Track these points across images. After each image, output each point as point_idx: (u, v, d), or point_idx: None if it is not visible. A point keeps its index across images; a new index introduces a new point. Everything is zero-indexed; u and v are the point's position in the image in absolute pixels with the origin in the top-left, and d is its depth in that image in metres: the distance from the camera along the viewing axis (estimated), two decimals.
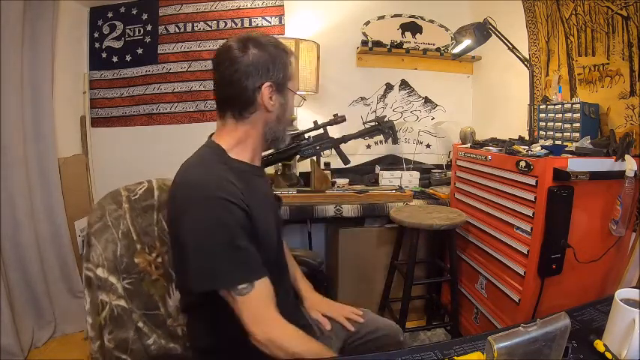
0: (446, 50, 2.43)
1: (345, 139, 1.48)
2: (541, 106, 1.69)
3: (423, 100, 2.57)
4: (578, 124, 1.50)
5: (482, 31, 1.75)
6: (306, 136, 1.40)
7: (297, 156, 1.39)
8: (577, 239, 1.28)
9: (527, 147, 1.43)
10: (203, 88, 2.38)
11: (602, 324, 0.74)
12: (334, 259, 2.10)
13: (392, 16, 2.45)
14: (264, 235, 0.85)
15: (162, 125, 2.41)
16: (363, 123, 2.39)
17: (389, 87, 2.52)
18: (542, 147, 1.37)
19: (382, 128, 1.56)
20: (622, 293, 0.71)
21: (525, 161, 1.30)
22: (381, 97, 2.52)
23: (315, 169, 1.93)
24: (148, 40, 2.35)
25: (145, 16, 2.34)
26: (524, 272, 1.35)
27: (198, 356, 0.92)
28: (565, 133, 1.57)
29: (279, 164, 2.12)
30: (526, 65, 1.69)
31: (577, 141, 1.46)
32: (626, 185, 1.22)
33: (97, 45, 2.35)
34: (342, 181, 2.17)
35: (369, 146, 2.51)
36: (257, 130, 0.88)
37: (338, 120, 1.36)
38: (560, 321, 0.56)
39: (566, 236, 1.27)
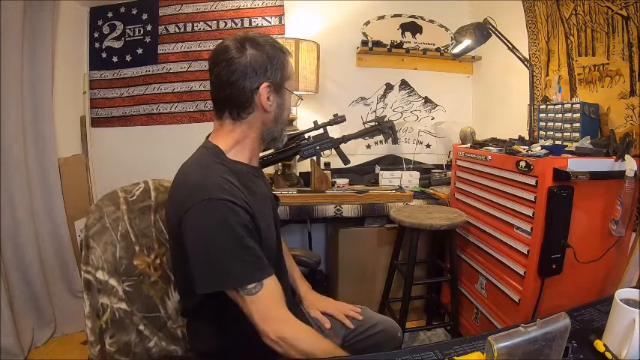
0: (446, 50, 2.43)
1: (345, 139, 1.48)
2: (541, 106, 1.69)
3: (423, 100, 2.57)
4: (578, 124, 1.50)
5: (482, 31, 1.75)
6: (306, 136, 1.39)
7: (297, 156, 1.39)
8: (577, 239, 1.28)
9: (527, 147, 1.43)
10: (203, 88, 2.38)
11: (602, 324, 0.74)
12: (334, 259, 2.10)
13: (392, 16, 2.46)
14: (266, 234, 0.85)
15: (162, 125, 2.41)
16: (363, 123, 2.40)
17: (389, 87, 2.52)
18: (542, 147, 1.37)
19: (382, 128, 1.56)
20: (622, 293, 0.71)
21: (525, 161, 1.30)
22: (381, 97, 2.52)
23: (315, 169, 1.93)
24: (147, 40, 2.35)
25: (145, 16, 2.34)
26: (524, 272, 1.35)
27: (200, 359, 0.91)
28: (565, 133, 1.57)
29: (279, 164, 2.12)
30: (526, 65, 1.69)
31: (577, 141, 1.46)
32: (626, 185, 1.21)
33: (97, 45, 2.35)
34: (342, 181, 2.17)
35: (369, 146, 2.51)
36: (255, 130, 0.88)
37: (338, 120, 1.36)
38: (560, 321, 0.56)
39: (566, 236, 1.27)
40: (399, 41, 2.42)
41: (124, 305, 0.82)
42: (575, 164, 1.24)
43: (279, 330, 0.75)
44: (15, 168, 1.73)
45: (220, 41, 0.86)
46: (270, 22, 2.37)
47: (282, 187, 2.04)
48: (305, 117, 2.30)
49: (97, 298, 0.79)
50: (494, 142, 1.67)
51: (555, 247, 1.27)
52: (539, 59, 1.89)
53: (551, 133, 1.63)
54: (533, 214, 1.29)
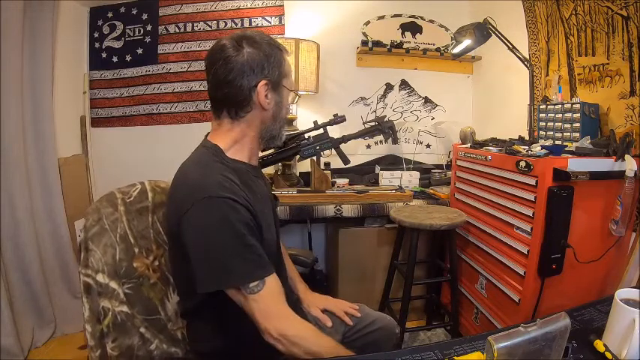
0: (446, 50, 2.43)
1: (345, 139, 1.48)
2: (541, 106, 1.69)
3: (423, 100, 2.57)
4: (578, 124, 1.50)
5: (483, 31, 1.75)
6: (306, 136, 1.39)
7: (297, 156, 1.39)
8: (577, 239, 1.28)
9: (527, 147, 1.43)
10: (203, 88, 2.37)
11: (602, 324, 0.74)
12: (334, 259, 2.10)
13: (392, 16, 2.46)
14: (266, 234, 0.85)
15: (162, 125, 2.41)
16: (363, 123, 2.39)
17: (389, 87, 2.52)
18: (542, 147, 1.37)
19: (382, 128, 1.56)
20: (622, 293, 0.71)
21: (525, 161, 1.30)
22: (381, 97, 2.52)
23: (315, 169, 1.93)
24: (148, 40, 2.35)
25: (145, 16, 2.34)
26: (524, 272, 1.35)
27: (200, 359, 0.91)
28: (565, 133, 1.57)
29: (279, 164, 2.12)
30: (526, 65, 1.69)
31: (577, 141, 1.46)
32: (626, 185, 1.21)
33: (97, 45, 2.35)
34: (342, 181, 2.17)
35: (369, 146, 2.51)
36: (253, 129, 0.88)
37: (338, 120, 1.36)
38: (560, 321, 0.56)
39: (566, 236, 1.27)
40: (399, 41, 2.42)
41: (125, 308, 0.81)
42: (575, 164, 1.24)
43: (280, 327, 0.75)
44: (15, 168, 1.73)
45: (216, 41, 0.86)
46: (270, 22, 2.37)
47: (282, 187, 2.04)
48: (305, 117, 2.30)
49: (97, 301, 0.78)
50: (494, 142, 1.67)
51: (555, 247, 1.27)
52: (539, 59, 1.89)
53: (551, 133, 1.63)
54: (533, 214, 1.29)
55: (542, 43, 1.86)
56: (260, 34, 0.86)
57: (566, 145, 1.45)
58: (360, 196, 1.93)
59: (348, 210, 1.87)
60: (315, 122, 1.41)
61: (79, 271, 0.79)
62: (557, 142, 1.56)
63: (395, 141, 1.66)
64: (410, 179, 2.18)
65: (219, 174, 0.79)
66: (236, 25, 2.37)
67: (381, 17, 2.44)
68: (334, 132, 1.46)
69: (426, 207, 1.80)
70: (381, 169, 2.26)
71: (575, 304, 0.90)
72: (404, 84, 2.53)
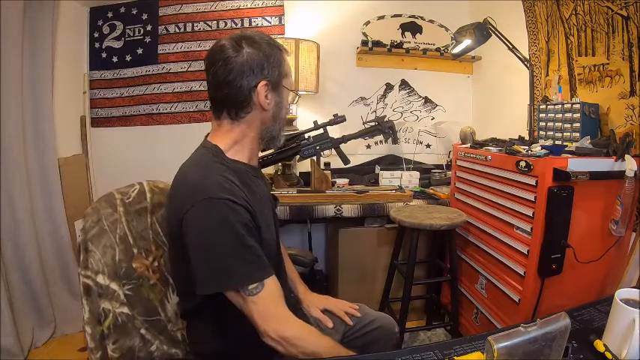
0: (446, 50, 2.43)
1: (345, 139, 1.48)
2: (541, 106, 1.69)
3: (423, 100, 2.57)
4: (578, 124, 1.50)
5: (482, 31, 1.75)
6: (306, 136, 1.39)
7: (297, 156, 1.39)
8: (577, 239, 1.28)
9: (527, 147, 1.43)
10: (203, 88, 2.37)
11: (602, 324, 0.74)
12: (334, 259, 2.10)
13: (392, 16, 2.46)
14: (266, 234, 0.85)
15: (162, 125, 2.41)
16: (363, 123, 2.39)
17: (389, 87, 2.52)
18: (542, 147, 1.37)
19: (382, 128, 1.56)
20: (622, 293, 0.71)
21: (525, 161, 1.30)
22: (381, 97, 2.52)
23: (315, 169, 1.93)
24: (148, 40, 2.35)
25: (145, 16, 2.34)
26: (524, 272, 1.35)
27: None
28: (565, 133, 1.57)
29: (279, 164, 2.12)
30: (526, 65, 1.69)
31: (577, 141, 1.46)
32: (626, 185, 1.21)
33: (97, 45, 2.35)
34: (342, 181, 2.17)
35: (369, 146, 2.51)
36: (253, 129, 0.88)
37: (338, 120, 1.36)
38: (560, 321, 0.56)
39: (566, 236, 1.27)
40: (399, 41, 2.42)
41: (125, 309, 0.81)
42: (575, 164, 1.24)
43: (280, 329, 0.75)
44: (15, 168, 1.73)
45: (216, 41, 0.85)
46: (270, 22, 2.37)
47: (282, 187, 2.04)
48: (305, 117, 2.30)
49: (97, 303, 0.78)
50: (494, 142, 1.67)
51: (555, 247, 1.27)
52: (539, 59, 1.89)
53: (551, 133, 1.63)
54: (533, 214, 1.29)
55: (542, 43, 1.86)
56: (259, 34, 0.86)
57: (566, 145, 1.45)
58: (360, 196, 1.93)
59: (348, 210, 1.87)
60: (315, 122, 1.42)
61: (79, 272, 0.79)
62: (557, 142, 1.56)
63: (395, 141, 1.66)
64: (410, 179, 2.18)
65: (219, 175, 0.79)
66: (236, 25, 2.37)
67: (381, 17, 2.44)
68: (334, 132, 1.46)
69: (426, 207, 1.80)
70: (381, 169, 2.26)
71: (575, 304, 0.90)
72: (404, 84, 2.53)
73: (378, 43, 2.37)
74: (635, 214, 1.33)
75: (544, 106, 1.67)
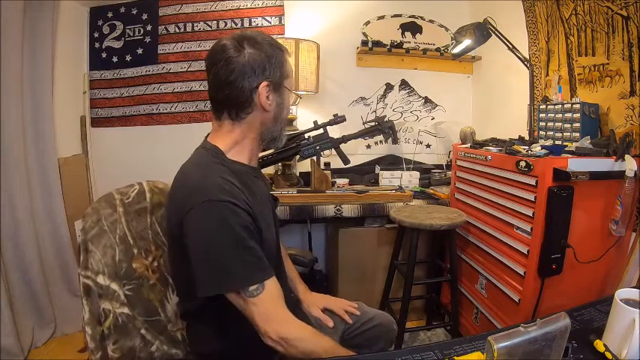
0: (446, 50, 2.43)
1: (345, 139, 1.48)
2: (541, 106, 1.69)
3: (423, 100, 2.57)
4: (578, 124, 1.50)
5: (483, 31, 1.75)
6: (306, 136, 1.39)
7: (297, 156, 1.39)
8: (577, 239, 1.28)
9: (527, 147, 1.43)
10: (203, 88, 2.38)
11: (602, 324, 0.74)
12: (334, 259, 2.10)
13: (392, 16, 2.46)
14: (267, 236, 0.85)
15: (162, 125, 2.41)
16: (363, 123, 2.40)
17: (389, 87, 2.52)
18: (542, 147, 1.37)
19: (382, 128, 1.56)
20: (622, 293, 0.71)
21: (525, 161, 1.30)
22: (381, 97, 2.52)
23: (315, 169, 1.93)
24: (148, 40, 2.35)
25: (145, 16, 2.34)
26: (524, 272, 1.35)
27: None
28: (565, 133, 1.57)
29: (279, 164, 2.12)
30: (526, 65, 1.69)
31: (577, 141, 1.46)
32: (626, 185, 1.21)
33: (97, 45, 2.35)
34: (342, 181, 2.17)
35: (369, 146, 2.51)
36: (254, 130, 0.87)
37: (338, 120, 1.36)
38: (560, 321, 0.56)
39: (566, 236, 1.27)
40: (399, 41, 2.42)
41: (126, 310, 0.81)
42: (575, 164, 1.24)
43: (280, 330, 0.75)
44: (15, 168, 1.73)
45: (217, 41, 0.85)
46: (270, 22, 2.37)
47: (282, 187, 2.04)
48: (305, 117, 2.30)
49: (97, 303, 0.77)
50: (494, 142, 1.67)
51: (555, 247, 1.27)
52: (539, 59, 1.89)
53: (551, 133, 1.63)
54: (533, 214, 1.29)
55: (542, 43, 1.86)
56: (261, 34, 0.86)
57: (566, 145, 1.45)
58: (360, 196, 1.93)
59: (348, 210, 1.87)
60: (315, 122, 1.42)
61: (79, 272, 0.79)
62: (557, 142, 1.56)
63: (395, 141, 1.66)
64: (410, 179, 2.18)
65: (219, 176, 0.79)
66: (236, 25, 2.37)
67: (381, 17, 2.44)
68: (334, 132, 1.46)
69: (426, 207, 1.80)
70: (381, 169, 2.26)
71: (575, 304, 0.90)
72: (404, 84, 2.53)
73: (378, 43, 2.37)
74: (635, 214, 1.33)
75: (544, 106, 1.67)
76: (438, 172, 2.24)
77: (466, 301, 1.77)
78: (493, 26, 1.72)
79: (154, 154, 2.37)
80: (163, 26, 2.35)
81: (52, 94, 1.96)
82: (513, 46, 1.69)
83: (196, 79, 2.37)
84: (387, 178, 2.19)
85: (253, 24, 2.37)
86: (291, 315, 0.79)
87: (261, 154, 1.14)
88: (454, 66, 2.51)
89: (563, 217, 1.26)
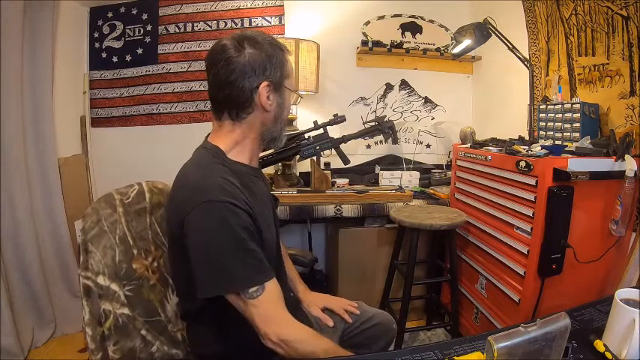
0: (446, 50, 2.43)
1: (345, 139, 1.48)
2: (541, 106, 1.69)
3: (423, 100, 2.57)
4: (578, 124, 1.50)
5: (483, 31, 1.75)
6: (306, 136, 1.40)
7: (297, 156, 1.39)
8: (577, 239, 1.28)
9: (527, 147, 1.43)
10: (203, 88, 2.38)
11: (602, 324, 0.74)
12: (334, 259, 2.10)
13: (392, 16, 2.46)
14: (267, 236, 0.84)
15: (162, 125, 2.41)
16: (363, 123, 2.40)
17: (389, 87, 2.52)
18: (542, 147, 1.37)
19: (382, 128, 1.56)
20: (622, 293, 0.71)
21: (525, 161, 1.30)
22: (381, 97, 2.52)
23: (315, 169, 1.93)
24: (148, 40, 2.35)
25: (145, 16, 2.34)
26: (524, 272, 1.35)
27: None
28: (565, 133, 1.57)
29: (279, 164, 2.12)
30: (526, 65, 1.69)
31: (577, 141, 1.46)
32: (626, 185, 1.21)
33: (97, 45, 2.35)
34: (342, 181, 2.17)
35: (369, 146, 2.51)
36: (254, 131, 0.87)
37: (338, 120, 1.36)
38: (560, 321, 0.56)
39: (566, 236, 1.27)
40: (399, 41, 2.42)
41: (126, 310, 0.81)
42: (575, 164, 1.24)
43: (280, 332, 0.75)
44: (15, 168, 1.73)
45: (217, 40, 0.84)
46: (270, 22, 2.37)
47: (282, 187, 2.04)
48: (305, 117, 2.30)
49: (98, 304, 0.77)
50: (494, 142, 1.67)
51: (555, 247, 1.27)
52: (539, 59, 1.89)
53: (551, 133, 1.63)
54: (533, 214, 1.29)
55: (542, 43, 1.86)
56: (261, 34, 0.85)
57: (566, 145, 1.45)
58: (360, 196, 1.93)
59: (348, 210, 1.87)
60: (315, 122, 1.42)
61: (79, 273, 0.78)
62: (557, 142, 1.56)
63: (395, 141, 1.66)
64: (410, 179, 2.18)
65: (220, 177, 0.78)
66: (236, 25, 2.37)
67: (381, 17, 2.44)
68: (334, 132, 1.46)
69: (426, 207, 1.80)
70: (381, 169, 2.26)
71: (575, 304, 0.90)
72: (404, 84, 2.53)
73: (378, 43, 2.37)
74: (635, 214, 1.33)
75: (544, 106, 1.67)
76: (438, 172, 2.24)
77: (466, 301, 1.77)
78: (493, 26, 1.72)
79: (154, 154, 2.37)
80: (163, 26, 2.35)
81: (52, 94, 1.96)
82: (513, 46, 1.69)
83: (196, 79, 2.38)
84: (387, 178, 2.19)
85: (253, 24, 2.37)
86: (291, 317, 0.79)
87: (261, 154, 1.15)
88: (454, 66, 2.51)
89: (563, 217, 1.26)
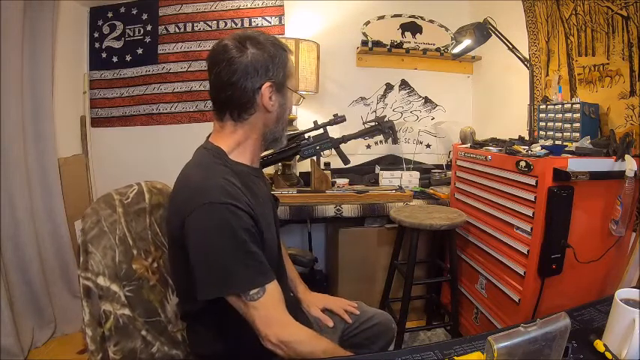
0: (446, 50, 2.43)
1: (345, 139, 1.48)
2: (541, 106, 1.69)
3: (423, 100, 2.57)
4: (578, 124, 1.50)
5: (483, 31, 1.75)
6: (306, 136, 1.40)
7: (297, 156, 1.39)
8: (577, 239, 1.28)
9: (527, 147, 1.43)
10: (203, 88, 2.38)
11: (602, 324, 0.74)
12: (334, 259, 2.10)
13: (392, 16, 2.46)
14: (268, 236, 0.84)
15: (162, 125, 2.41)
16: (363, 123, 2.40)
17: (389, 87, 2.52)
18: (542, 147, 1.37)
19: (382, 128, 1.56)
20: (622, 293, 0.71)
21: (525, 161, 1.30)
22: (381, 97, 2.52)
23: (315, 169, 1.93)
24: (148, 40, 2.35)
25: (145, 16, 2.34)
26: (524, 272, 1.35)
27: None
28: (565, 133, 1.57)
29: (279, 164, 2.12)
30: (526, 65, 1.69)
31: (577, 141, 1.46)
32: (626, 185, 1.21)
33: (97, 45, 2.35)
34: (342, 181, 2.17)
35: (369, 146, 2.51)
36: (256, 131, 0.87)
37: (338, 120, 1.36)
38: (560, 321, 0.56)
39: (566, 236, 1.27)
40: (399, 41, 2.42)
41: (127, 311, 0.80)
42: (575, 164, 1.24)
43: (280, 334, 0.75)
44: (15, 168, 1.73)
45: (218, 40, 0.84)
46: (270, 22, 2.37)
47: (282, 187, 2.04)
48: (305, 117, 2.30)
49: (98, 304, 0.77)
50: (494, 142, 1.67)
51: (555, 247, 1.27)
52: (539, 59, 1.89)
53: (551, 133, 1.63)
54: (533, 214, 1.29)
55: (542, 43, 1.86)
56: (263, 34, 0.85)
57: (566, 145, 1.45)
58: (360, 196, 1.93)
59: (348, 210, 1.87)
60: (315, 122, 1.42)
61: (79, 274, 0.78)
62: (557, 142, 1.56)
63: (395, 141, 1.66)
64: (410, 179, 2.18)
65: (222, 177, 0.78)
66: (236, 25, 2.37)
67: (381, 17, 2.44)
68: (334, 132, 1.46)
69: (426, 207, 1.80)
70: (381, 169, 2.26)
71: (575, 304, 0.90)
72: (404, 84, 2.53)
73: (378, 43, 2.37)
74: (635, 214, 1.33)
75: (544, 106, 1.67)
76: (438, 172, 2.24)
77: (466, 301, 1.77)
78: (493, 26, 1.72)
79: (154, 154, 2.37)
80: (163, 26, 2.35)
81: (52, 94, 1.96)
82: (513, 46, 1.69)
83: (196, 79, 2.38)
84: (387, 178, 2.19)
85: (253, 24, 2.37)
86: (291, 318, 0.79)
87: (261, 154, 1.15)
88: (454, 66, 2.51)
89: (563, 217, 1.26)
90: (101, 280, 0.78)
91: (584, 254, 1.29)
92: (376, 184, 2.22)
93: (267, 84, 0.82)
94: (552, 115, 1.62)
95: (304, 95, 2.21)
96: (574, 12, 1.64)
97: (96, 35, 2.34)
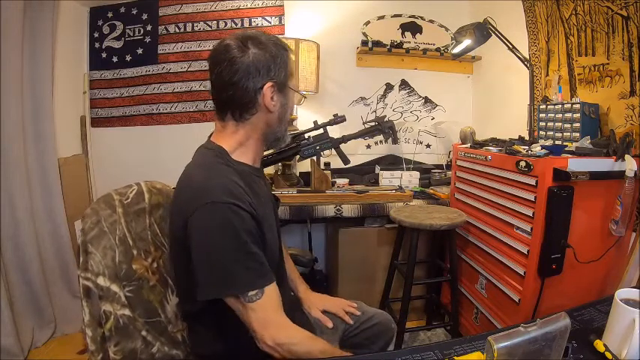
0: (446, 50, 2.43)
1: (345, 139, 1.48)
2: (541, 106, 1.69)
3: (423, 100, 2.57)
4: (578, 124, 1.50)
5: (483, 31, 1.75)
6: (306, 136, 1.40)
7: (297, 156, 1.39)
8: (577, 239, 1.28)
9: (527, 147, 1.43)
10: (203, 88, 2.38)
11: (602, 324, 0.74)
12: (334, 259, 2.10)
13: (392, 16, 2.46)
14: (269, 237, 0.84)
15: (162, 125, 2.41)
16: (363, 123, 2.40)
17: (389, 87, 2.52)
18: (542, 147, 1.37)
19: (382, 128, 1.56)
20: (622, 293, 0.71)
21: (525, 161, 1.30)
22: (381, 97, 2.52)
23: (315, 169, 1.93)
24: (148, 40, 2.35)
25: (145, 16, 2.34)
26: (524, 272, 1.35)
27: None
28: (565, 133, 1.57)
29: (279, 164, 2.12)
30: (526, 65, 1.69)
31: (577, 141, 1.46)
32: (626, 185, 1.21)
33: (97, 45, 2.35)
34: (342, 181, 2.17)
35: (369, 146, 2.51)
36: (258, 131, 0.87)
37: (338, 120, 1.36)
38: (560, 321, 0.56)
39: (566, 236, 1.27)
40: (399, 41, 2.42)
41: (127, 311, 0.80)
42: (575, 164, 1.24)
43: (276, 336, 0.75)
44: (15, 168, 1.73)
45: (220, 40, 0.83)
46: (270, 22, 2.37)
47: (282, 187, 2.04)
48: (305, 117, 2.30)
49: (98, 305, 0.77)
50: (494, 142, 1.67)
51: (555, 247, 1.27)
52: (539, 59, 1.89)
53: (551, 133, 1.63)
54: (533, 214, 1.29)
55: (542, 43, 1.86)
56: (264, 34, 0.85)
57: (566, 145, 1.45)
58: (360, 196, 1.93)
59: (348, 210, 1.87)
60: (315, 122, 1.42)
61: (79, 274, 0.78)
62: (557, 142, 1.56)
63: (395, 141, 1.66)
64: (410, 179, 2.18)
65: (225, 177, 0.78)
66: (236, 25, 2.37)
67: (381, 17, 2.44)
68: (334, 132, 1.46)
69: (426, 207, 1.80)
70: (381, 169, 2.26)
71: (575, 304, 0.90)
72: (404, 84, 2.53)
73: (378, 43, 2.37)
74: (635, 214, 1.33)
75: (544, 106, 1.67)
76: (438, 172, 2.24)
77: (466, 301, 1.77)
78: (493, 26, 1.72)
79: (154, 154, 2.37)
80: (163, 26, 2.35)
81: (52, 94, 1.96)
82: (513, 46, 1.69)
83: (196, 79, 2.38)
84: (387, 178, 2.19)
85: (253, 24, 2.37)
86: (288, 321, 0.79)
87: None
88: (454, 66, 2.51)
89: (563, 217, 1.26)
90: (101, 281, 0.78)
91: (584, 254, 1.29)
92: (376, 184, 2.22)
93: (269, 84, 0.82)
94: (552, 115, 1.62)
95: (305, 95, 2.21)
96: (574, 12, 1.64)
97: (96, 35, 2.34)
